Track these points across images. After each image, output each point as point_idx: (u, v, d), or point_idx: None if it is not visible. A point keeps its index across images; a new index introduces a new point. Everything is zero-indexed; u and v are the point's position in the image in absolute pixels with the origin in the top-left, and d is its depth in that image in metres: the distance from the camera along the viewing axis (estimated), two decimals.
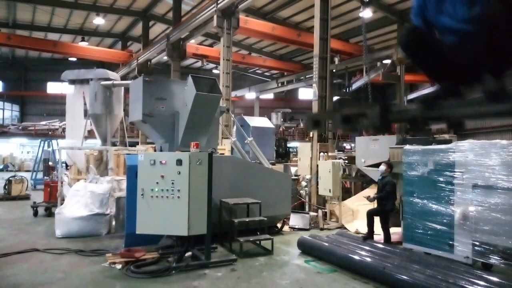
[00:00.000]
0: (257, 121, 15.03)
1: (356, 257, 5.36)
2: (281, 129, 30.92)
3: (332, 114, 3.48)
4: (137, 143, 20.89)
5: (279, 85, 30.18)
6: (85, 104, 10.50)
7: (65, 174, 10.04)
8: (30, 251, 6.24)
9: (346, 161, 10.25)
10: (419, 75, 28.60)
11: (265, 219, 6.63)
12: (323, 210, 8.98)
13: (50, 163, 16.08)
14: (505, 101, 1.66)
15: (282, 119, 33.46)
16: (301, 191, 9.72)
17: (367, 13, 19.56)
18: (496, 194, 4.99)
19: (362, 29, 13.74)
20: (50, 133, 28.07)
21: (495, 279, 4.29)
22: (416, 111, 2.14)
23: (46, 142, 17.18)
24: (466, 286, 4.14)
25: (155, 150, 8.94)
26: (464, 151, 5.46)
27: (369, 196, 7.04)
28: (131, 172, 5.99)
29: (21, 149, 32.85)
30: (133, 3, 22.54)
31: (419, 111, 2.11)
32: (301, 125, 33.62)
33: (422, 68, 2.29)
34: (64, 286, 4.78)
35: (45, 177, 13.50)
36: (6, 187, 12.56)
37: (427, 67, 2.29)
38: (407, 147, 6.61)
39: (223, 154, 10.47)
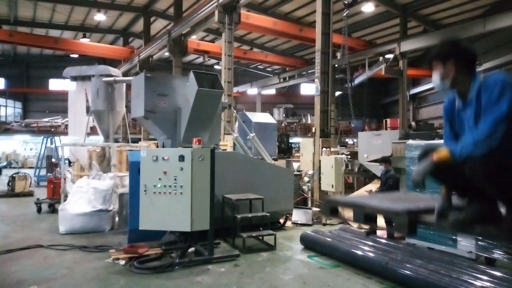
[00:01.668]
0: (259, 116, 14.97)
1: (359, 252, 5.36)
2: (283, 125, 30.88)
3: (355, 209, 3.51)
4: (139, 139, 20.92)
5: (281, 80, 30.10)
6: (87, 100, 10.51)
7: (68, 170, 10.07)
8: (34, 247, 6.27)
9: (349, 157, 10.23)
10: (422, 70, 28.53)
11: (268, 214, 6.64)
12: None
13: (53, 159, 16.13)
14: None
15: (284, 115, 33.43)
16: (303, 187, 9.72)
17: (369, 7, 19.47)
18: None
19: (343, 31, 13.74)
20: (52, 130, 28.13)
21: (498, 273, 4.28)
22: (447, 227, 2.15)
23: (49, 139, 17.22)
24: (469, 281, 4.13)
25: (157, 146, 8.95)
26: None
27: (371, 191, 7.03)
28: (134, 169, 6.00)
29: (24, 146, 32.95)
30: None
31: (450, 227, 2.12)
32: (303, 121, 33.60)
33: (454, 189, 2.29)
34: (68, 282, 4.80)
35: (48, 174, 13.55)
36: (10, 183, 12.62)
37: (458, 188, 2.28)
38: (410, 142, 6.58)
39: (226, 150, 10.47)
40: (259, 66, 33.82)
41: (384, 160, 6.99)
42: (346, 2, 12.73)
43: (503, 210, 2.15)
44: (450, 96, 2.39)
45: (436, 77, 2.28)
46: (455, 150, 2.06)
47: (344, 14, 13.28)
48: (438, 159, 2.11)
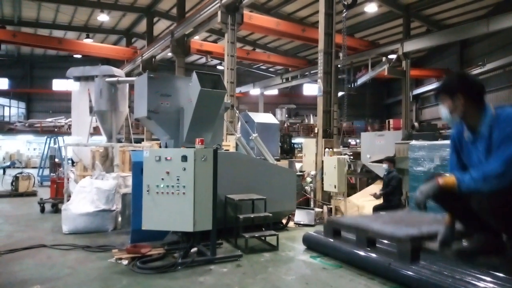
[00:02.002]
0: (261, 117, 14.99)
1: (362, 253, 5.34)
2: (286, 125, 30.89)
3: (358, 232, 3.48)
4: (142, 140, 20.97)
5: (284, 81, 30.11)
6: (90, 101, 10.55)
7: (71, 170, 10.10)
8: (37, 247, 6.29)
9: (352, 157, 10.21)
10: (425, 70, 28.46)
11: (270, 215, 6.63)
12: (328, 206, 8.97)
13: (56, 159, 16.19)
14: None
15: (286, 115, 33.45)
16: (306, 187, 9.71)
17: (372, 8, 19.44)
18: None
19: (343, 33, 13.71)
20: (56, 130, 28.26)
21: (501, 275, 4.26)
22: (450, 256, 2.14)
23: (52, 139, 17.29)
24: (473, 282, 4.11)
25: (160, 147, 8.96)
26: None
27: (375, 193, 7.02)
28: (137, 169, 6.00)
29: (28, 146, 33.10)
30: (137, 0, 22.55)
31: (453, 256, 2.11)
32: (306, 121, 33.56)
33: (458, 218, 2.28)
34: (71, 281, 4.81)
35: (52, 174, 13.61)
36: (14, 183, 12.66)
37: (462, 218, 2.28)
38: (413, 142, 6.57)
39: (228, 150, 10.48)
40: (261, 67, 33.83)
41: (388, 159, 6.98)
42: (345, 3, 12.69)
43: (506, 242, 2.15)
44: (458, 126, 2.38)
45: (444, 111, 2.28)
46: (463, 180, 2.05)
47: (343, 15, 13.25)
48: (444, 184, 2.11)
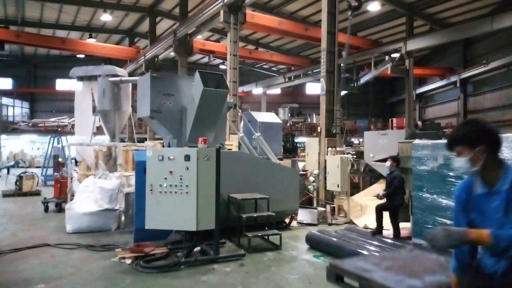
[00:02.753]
0: (264, 116, 14.97)
1: (365, 252, 5.33)
2: (288, 124, 30.85)
3: (360, 281, 3.45)
4: (145, 139, 21.00)
5: (286, 80, 30.07)
6: (93, 100, 10.56)
7: (75, 170, 10.13)
8: (41, 246, 6.32)
9: (355, 156, 10.18)
10: (428, 69, 28.34)
11: (273, 214, 6.63)
12: (331, 205, 8.96)
13: (60, 159, 16.25)
14: None
15: (289, 114, 33.40)
16: (309, 186, 9.70)
17: (375, 6, 19.39)
18: None
19: (348, 35, 13.64)
20: (59, 129, 28.34)
21: None
22: None
23: (56, 139, 17.35)
24: None
25: (163, 146, 8.97)
26: None
27: (378, 194, 6.99)
28: (140, 168, 6.02)
29: (32, 146, 33.24)
30: None
31: None
32: (309, 120, 33.52)
33: None
34: (75, 280, 4.83)
35: (55, 173, 13.65)
36: (18, 183, 12.73)
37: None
38: (417, 141, 6.54)
39: (231, 149, 10.48)
40: (264, 66, 33.81)
41: (393, 158, 6.95)
42: (352, 5, 12.62)
43: None
44: (467, 181, 2.25)
45: (462, 163, 2.12)
46: (502, 236, 1.92)
47: (349, 16, 13.17)
48: (477, 237, 1.95)
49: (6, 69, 33.11)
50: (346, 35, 13.89)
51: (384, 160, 7.59)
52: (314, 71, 26.46)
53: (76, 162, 11.53)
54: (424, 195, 6.03)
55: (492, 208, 2.07)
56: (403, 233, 6.74)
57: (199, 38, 21.51)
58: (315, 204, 9.30)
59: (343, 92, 19.24)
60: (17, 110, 34.18)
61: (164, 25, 24.78)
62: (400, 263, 4.25)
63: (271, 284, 4.76)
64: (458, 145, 2.13)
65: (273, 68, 34.66)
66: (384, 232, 6.83)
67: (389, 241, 6.05)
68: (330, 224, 8.22)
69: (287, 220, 8.03)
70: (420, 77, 28.95)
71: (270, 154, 8.96)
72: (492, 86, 24.20)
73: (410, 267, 4.10)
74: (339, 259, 3.88)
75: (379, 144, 9.50)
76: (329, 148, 9.42)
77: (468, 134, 2.11)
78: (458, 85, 25.53)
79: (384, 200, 6.98)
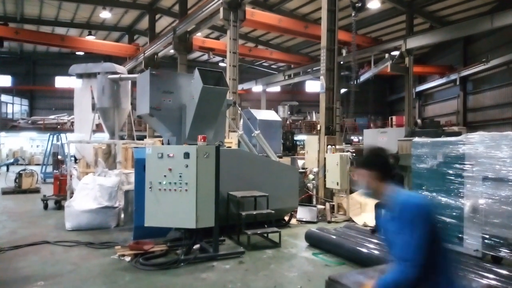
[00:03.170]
0: (264, 114, 14.97)
1: (364, 250, 5.34)
2: (288, 122, 30.82)
3: None
4: (144, 137, 21.00)
5: (286, 77, 30.01)
6: (92, 98, 10.53)
7: (74, 167, 10.13)
8: (41, 243, 6.33)
9: (354, 154, 10.18)
10: (428, 67, 28.32)
11: (273, 212, 6.64)
12: (331, 203, 8.97)
13: (59, 156, 16.24)
14: None
15: (289, 112, 33.35)
16: (308, 184, 9.70)
17: (375, 4, 19.33)
18: (506, 186, 4.91)
19: (352, 36, 13.60)
20: (58, 127, 28.33)
21: (505, 272, 4.25)
22: None
23: (55, 136, 17.34)
24: (476, 279, 4.11)
25: (162, 144, 8.97)
26: (474, 143, 5.38)
27: None
28: (139, 166, 6.01)
29: (31, 143, 33.22)
30: None
31: None
32: (308, 118, 33.51)
33: None
34: (74, 277, 4.84)
35: (55, 171, 13.66)
36: (17, 180, 12.73)
37: None
38: (416, 139, 6.54)
39: (230, 147, 10.47)
40: (264, 63, 33.76)
41: (392, 156, 6.96)
42: (356, 6, 12.58)
43: None
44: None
45: (361, 183, 2.30)
46: (380, 286, 2.03)
47: (353, 16, 13.12)
48: None
49: (5, 66, 33.03)
50: (345, 33, 13.86)
51: None
52: (314, 68, 26.41)
53: (76, 159, 11.53)
54: (423, 193, 6.03)
55: (391, 232, 2.16)
56: None
57: (198, 35, 21.48)
58: (314, 202, 9.31)
59: (342, 90, 19.24)
60: (16, 107, 34.13)
61: (163, 22, 24.71)
62: None
63: (270, 281, 4.77)
64: (359, 167, 2.32)
65: (272, 66, 34.60)
66: None
67: None
68: (329, 222, 8.23)
69: (286, 218, 8.04)
70: (420, 75, 28.93)
71: (270, 152, 8.96)
72: (492, 84, 24.20)
73: None
74: (338, 273, 3.88)
75: (379, 142, 9.52)
76: (329, 146, 9.42)
77: (365, 159, 2.31)
78: (458, 83, 25.53)
79: None
